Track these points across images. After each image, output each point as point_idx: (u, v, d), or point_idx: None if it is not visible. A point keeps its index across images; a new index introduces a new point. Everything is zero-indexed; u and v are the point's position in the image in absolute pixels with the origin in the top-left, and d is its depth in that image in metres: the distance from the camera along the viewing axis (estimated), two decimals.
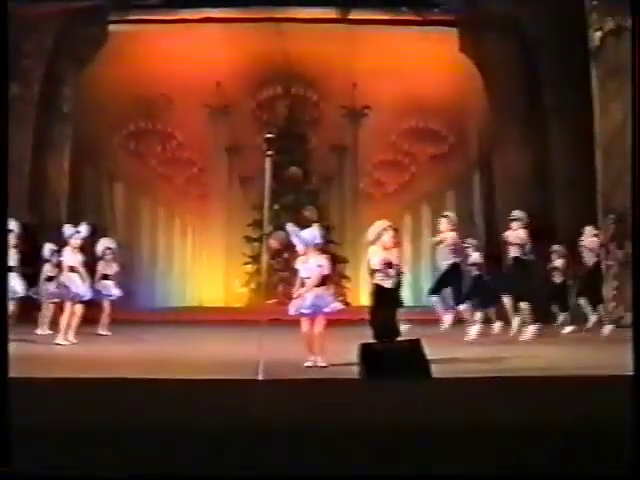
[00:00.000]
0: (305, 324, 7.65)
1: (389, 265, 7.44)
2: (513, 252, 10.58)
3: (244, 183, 22.80)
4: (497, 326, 11.91)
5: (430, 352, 6.71)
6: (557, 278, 12.83)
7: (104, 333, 11.83)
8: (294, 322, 7.80)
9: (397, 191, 23.46)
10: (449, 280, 10.61)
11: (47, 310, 11.83)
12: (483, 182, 19.55)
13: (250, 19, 18.75)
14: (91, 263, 11.65)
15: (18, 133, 14.66)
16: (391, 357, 6.50)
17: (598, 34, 14.00)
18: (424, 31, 18.50)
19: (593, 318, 10.70)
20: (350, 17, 18.40)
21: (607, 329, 10.63)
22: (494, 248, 11.19)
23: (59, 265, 10.84)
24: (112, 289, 12.18)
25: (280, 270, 19.29)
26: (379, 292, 7.48)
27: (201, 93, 21.06)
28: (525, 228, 10.65)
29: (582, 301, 11.09)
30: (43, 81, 16.61)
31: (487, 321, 12.10)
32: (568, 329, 12.25)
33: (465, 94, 19.03)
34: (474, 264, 12.49)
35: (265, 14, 18.58)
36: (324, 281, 7.76)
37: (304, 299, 7.63)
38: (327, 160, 23.14)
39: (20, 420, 3.82)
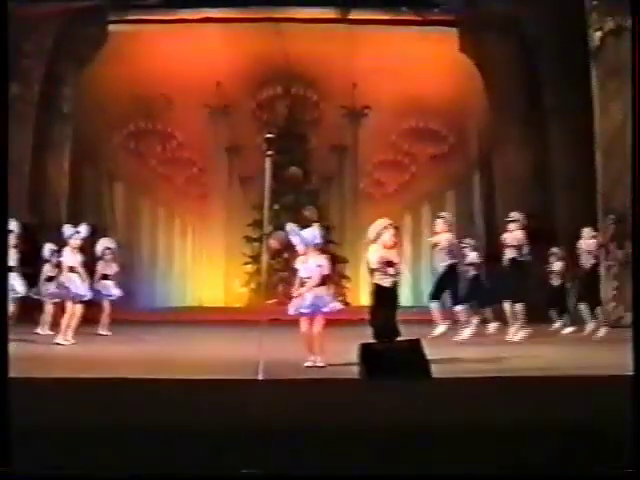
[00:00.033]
0: (304, 324, 7.65)
1: (388, 264, 7.42)
2: (510, 253, 10.56)
3: (244, 183, 22.81)
4: (492, 326, 11.93)
5: (430, 352, 6.71)
6: (555, 281, 12.80)
7: (104, 333, 11.83)
8: (294, 322, 7.80)
9: (397, 191, 23.47)
10: (446, 282, 10.61)
11: (48, 310, 11.83)
12: (483, 182, 19.56)
13: (250, 19, 18.75)
14: (91, 263, 11.65)
15: (18, 133, 14.65)
16: (391, 357, 6.49)
17: (598, 34, 14.00)
18: (424, 31, 18.50)
19: (591, 325, 10.67)
20: (350, 17, 18.40)
21: (602, 331, 10.62)
22: (494, 248, 11.17)
23: (59, 265, 10.84)
24: (112, 289, 12.18)
25: (280, 270, 19.29)
26: (378, 291, 7.47)
27: (201, 93, 21.07)
28: (522, 229, 10.63)
29: (582, 306, 11.05)
30: (43, 81, 16.61)
31: (484, 321, 12.14)
32: (568, 330, 12.25)
33: (465, 94, 19.03)
34: (471, 264, 12.50)
35: (265, 14, 18.57)
36: (324, 281, 7.75)
37: (304, 299, 7.63)
38: (327, 160, 23.15)
39: (20, 420, 3.82)
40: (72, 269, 10.45)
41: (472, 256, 12.57)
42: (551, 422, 4.27)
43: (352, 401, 5.38)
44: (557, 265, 12.76)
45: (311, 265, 7.71)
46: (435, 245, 10.81)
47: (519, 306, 10.41)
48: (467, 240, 13.11)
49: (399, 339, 7.15)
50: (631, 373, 4.20)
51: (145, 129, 21.88)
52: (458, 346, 9.98)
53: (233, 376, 6.75)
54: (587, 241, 11.03)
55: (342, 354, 7.45)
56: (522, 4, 16.11)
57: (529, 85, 16.84)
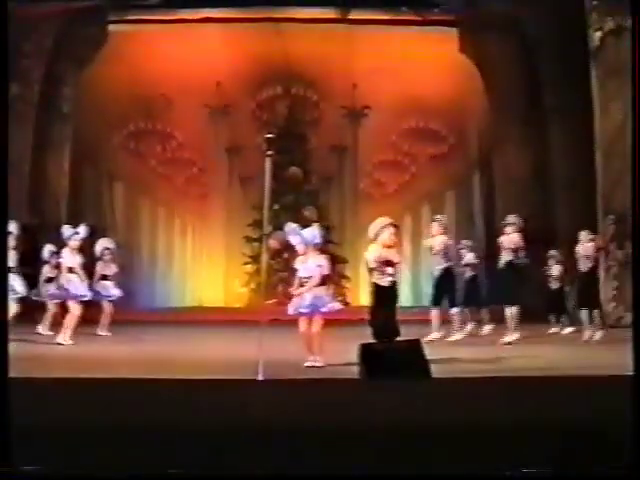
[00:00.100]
0: (303, 324, 7.65)
1: (387, 263, 7.40)
2: (507, 257, 10.55)
3: (244, 183, 22.80)
4: (487, 328, 11.92)
5: (430, 352, 6.71)
6: (554, 285, 12.79)
7: (104, 334, 11.83)
8: (293, 322, 7.80)
9: (397, 191, 23.46)
10: (443, 286, 10.60)
11: (50, 310, 11.83)
12: (483, 182, 19.56)
13: (249, 19, 18.75)
14: (90, 264, 11.65)
15: (18, 133, 14.66)
16: (391, 357, 6.49)
17: (598, 34, 14.01)
18: (424, 31, 18.50)
19: (589, 332, 10.66)
20: (350, 17, 18.40)
21: (598, 334, 10.60)
22: (494, 249, 11.14)
23: (58, 266, 10.84)
24: (111, 289, 12.17)
25: (280, 270, 19.28)
26: (377, 291, 7.45)
27: (201, 93, 21.06)
28: (519, 233, 10.61)
29: (581, 311, 11.02)
30: (43, 81, 16.61)
31: (479, 322, 12.15)
32: (567, 330, 12.25)
33: (465, 94, 19.03)
34: (468, 265, 12.50)
35: (265, 14, 18.57)
36: (324, 281, 7.76)
37: (303, 299, 7.63)
38: (327, 160, 23.14)
39: (20, 420, 3.82)
40: (71, 270, 10.45)
41: (469, 257, 12.57)
42: (551, 422, 4.27)
43: (352, 401, 5.38)
44: (556, 269, 12.73)
45: (311, 265, 7.71)
46: (431, 248, 10.80)
47: (514, 309, 10.38)
48: (464, 241, 13.12)
49: (399, 339, 7.14)
50: (631, 373, 4.20)
51: (145, 129, 21.88)
52: (458, 346, 9.98)
53: (233, 376, 6.75)
54: (585, 245, 10.97)
55: (342, 354, 7.45)
56: (522, 4, 16.11)
57: (529, 85, 16.85)
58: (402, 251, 8.71)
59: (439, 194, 22.31)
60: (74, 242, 10.53)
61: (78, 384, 6.18)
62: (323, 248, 8.25)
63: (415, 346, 6.60)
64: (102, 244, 12.40)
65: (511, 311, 10.35)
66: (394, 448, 3.89)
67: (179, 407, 4.96)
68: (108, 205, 20.52)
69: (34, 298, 11.83)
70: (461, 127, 21.07)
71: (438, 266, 10.69)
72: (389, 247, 7.47)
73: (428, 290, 11.19)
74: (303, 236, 7.79)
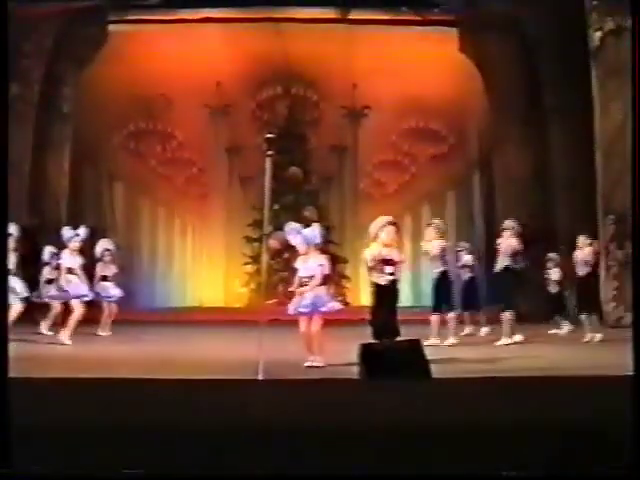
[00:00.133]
0: (303, 324, 7.65)
1: (386, 262, 7.38)
2: (504, 261, 10.54)
3: (244, 183, 22.82)
4: (484, 330, 11.92)
5: (430, 352, 6.71)
6: (553, 288, 12.78)
7: (104, 334, 11.83)
8: (294, 322, 7.80)
9: (397, 191, 23.47)
10: (441, 290, 10.58)
11: (52, 310, 11.83)
12: (483, 182, 19.56)
13: (250, 19, 18.75)
14: (90, 265, 11.65)
15: (18, 133, 14.65)
16: (391, 357, 6.48)
17: (598, 34, 14.01)
18: (424, 31, 18.50)
19: (589, 336, 10.65)
20: (350, 17, 18.39)
21: (597, 337, 10.59)
22: (494, 249, 11.12)
23: (58, 268, 10.84)
24: (111, 290, 12.18)
25: (280, 270, 19.28)
26: (375, 290, 7.45)
27: (201, 93, 21.07)
28: (517, 237, 10.60)
29: (581, 316, 11.01)
30: (43, 81, 16.61)
31: (475, 323, 12.16)
32: (565, 329, 12.24)
33: (465, 94, 19.03)
34: (466, 266, 12.49)
35: (265, 14, 18.57)
36: (324, 281, 7.76)
37: (303, 298, 7.63)
38: (327, 160, 23.15)
39: (20, 420, 3.82)
40: (71, 271, 10.45)
41: (467, 258, 12.57)
42: (551, 422, 4.27)
43: (352, 401, 5.37)
44: (555, 272, 12.72)
45: (312, 265, 7.71)
46: (427, 252, 10.79)
47: (510, 313, 10.36)
48: (462, 243, 13.13)
49: (399, 339, 7.14)
50: (631, 373, 4.20)
51: (145, 129, 21.89)
52: (458, 347, 9.98)
53: (233, 376, 6.75)
54: (583, 250, 10.95)
55: (342, 354, 7.44)
56: (522, 4, 16.11)
57: (529, 85, 16.85)
58: (403, 250, 8.66)
59: (439, 194, 22.32)
60: (74, 244, 10.53)
61: (78, 384, 6.18)
62: (324, 248, 8.25)
63: (415, 346, 6.59)
64: (102, 245, 12.41)
65: (507, 315, 10.33)
66: (394, 448, 3.89)
67: (179, 407, 4.96)
68: (108, 205, 20.52)
69: (36, 300, 11.82)
70: (461, 127, 21.08)
71: (434, 270, 10.68)
72: (388, 246, 7.46)
73: (428, 290, 11.17)
74: (305, 235, 7.78)
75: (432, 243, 10.66)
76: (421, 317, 11.11)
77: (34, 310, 12.00)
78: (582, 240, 11.02)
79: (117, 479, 3.70)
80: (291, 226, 7.97)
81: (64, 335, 10.13)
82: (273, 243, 15.57)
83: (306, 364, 7.50)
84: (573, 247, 11.15)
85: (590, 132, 14.11)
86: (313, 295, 7.61)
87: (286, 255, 17.50)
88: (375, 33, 18.99)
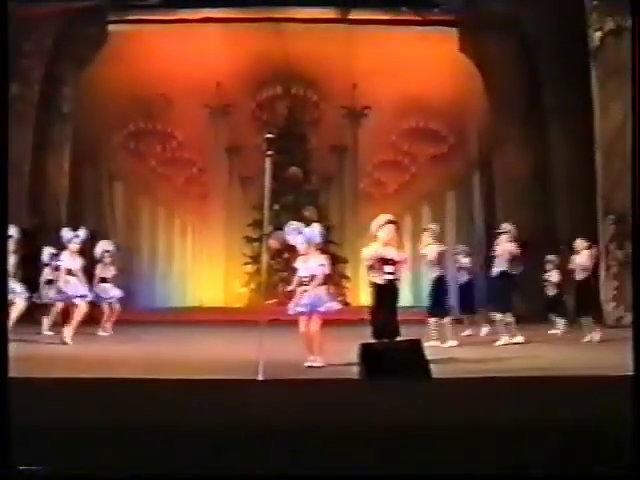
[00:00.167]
0: (302, 324, 7.65)
1: (385, 261, 7.36)
2: (500, 266, 10.54)
3: (244, 183, 22.81)
4: (485, 331, 11.92)
5: (430, 352, 6.71)
6: (551, 291, 12.78)
7: (104, 334, 11.84)
8: (294, 322, 7.80)
9: (397, 191, 23.46)
10: (438, 294, 10.57)
11: (53, 311, 11.83)
12: (483, 182, 19.56)
13: (250, 19, 18.75)
14: (90, 266, 11.65)
15: (18, 133, 14.66)
16: (391, 357, 6.48)
17: (598, 34, 14.02)
18: (424, 31, 18.50)
19: (589, 336, 10.64)
20: (350, 17, 18.40)
21: (597, 337, 10.59)
22: (493, 250, 11.12)
23: (58, 268, 10.84)
24: (110, 291, 12.19)
25: (280, 270, 19.27)
26: (374, 289, 7.44)
27: (201, 93, 21.06)
28: (513, 241, 10.59)
29: (581, 319, 11.00)
30: (43, 81, 16.61)
31: (475, 324, 12.16)
32: (561, 326, 12.24)
33: (465, 94, 19.02)
34: (464, 268, 12.49)
35: (265, 14, 18.58)
36: (324, 281, 7.75)
37: (303, 298, 7.63)
38: (327, 160, 23.14)
39: (20, 420, 3.82)
40: (70, 272, 10.45)
41: (465, 261, 12.57)
42: (551, 422, 4.27)
43: (352, 401, 5.38)
44: (554, 274, 12.72)
45: (312, 264, 7.70)
46: (424, 256, 10.78)
47: (504, 316, 10.36)
48: (461, 246, 13.12)
49: (399, 339, 7.13)
50: (631, 373, 4.20)
51: (145, 129, 21.88)
52: (458, 347, 9.98)
53: (233, 376, 6.75)
54: (581, 255, 10.94)
55: (342, 354, 7.44)
56: (522, 4, 16.11)
57: (529, 85, 16.85)
58: (403, 250, 8.61)
59: (439, 194, 22.31)
60: (74, 245, 10.53)
61: (78, 384, 6.18)
62: (324, 248, 8.25)
63: (415, 346, 6.59)
64: (102, 246, 12.42)
65: (505, 317, 10.33)
66: (394, 448, 3.89)
67: (179, 407, 4.96)
68: (108, 205, 20.51)
69: (36, 301, 11.81)
70: (461, 127, 21.07)
71: (431, 275, 10.67)
72: (388, 245, 7.45)
73: (428, 290, 11.18)
74: (306, 235, 7.77)
75: (428, 248, 10.64)
76: (421, 317, 11.12)
77: (34, 310, 12.00)
78: (579, 243, 11.01)
79: (117, 479, 3.70)
80: (292, 226, 7.97)
81: (67, 332, 10.14)
82: (273, 243, 15.57)
83: (306, 364, 7.50)
84: (572, 248, 11.14)
85: (590, 132, 14.11)
86: (312, 295, 7.61)
87: (286, 255, 17.50)
88: (375, 33, 18.99)
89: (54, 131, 17.12)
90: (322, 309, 7.63)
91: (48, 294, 11.59)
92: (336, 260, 19.19)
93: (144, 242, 22.34)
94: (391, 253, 7.42)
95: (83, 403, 5.08)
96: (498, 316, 10.52)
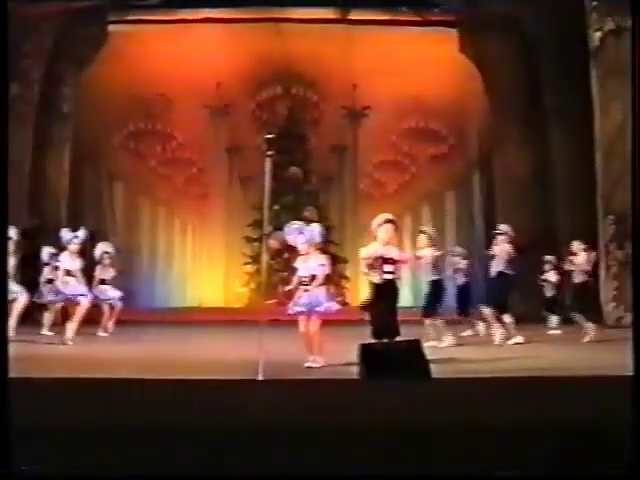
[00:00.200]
0: (302, 324, 7.65)
1: (384, 261, 7.35)
2: (497, 266, 10.54)
3: (244, 183, 22.81)
4: (481, 329, 11.91)
5: (430, 352, 6.71)
6: (549, 292, 12.76)
7: (104, 335, 11.84)
8: (294, 322, 7.80)
9: (397, 191, 23.46)
10: (434, 298, 10.56)
11: (51, 311, 11.83)
12: (483, 182, 19.56)
13: (250, 19, 18.75)
14: (90, 267, 11.65)
15: (18, 133, 14.65)
16: (391, 357, 6.48)
17: (598, 34, 14.02)
18: (424, 31, 18.51)
19: (588, 336, 10.64)
20: (350, 17, 18.40)
21: (596, 336, 10.59)
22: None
23: (57, 269, 10.83)
24: (110, 293, 12.19)
25: (280, 270, 19.27)
26: (372, 288, 7.43)
27: (201, 93, 21.06)
28: (511, 243, 10.59)
29: (580, 320, 10.99)
30: (43, 81, 16.60)
31: (473, 325, 12.15)
32: (554, 323, 12.23)
33: (465, 94, 19.03)
34: (459, 270, 12.48)
35: (265, 14, 18.58)
36: (324, 281, 7.75)
37: (301, 297, 7.63)
38: (327, 160, 23.15)
39: (20, 420, 3.82)
40: (69, 273, 10.45)
41: (462, 264, 12.57)
42: (551, 422, 4.27)
43: (352, 401, 5.37)
44: (552, 275, 12.70)
45: (312, 264, 7.70)
46: (419, 258, 10.77)
47: (508, 318, 10.37)
48: (457, 248, 13.10)
49: (399, 339, 7.13)
50: (631, 373, 4.20)
51: (145, 129, 21.88)
52: (458, 347, 9.98)
53: (233, 376, 6.74)
54: (578, 257, 10.94)
55: (342, 354, 7.44)
56: (522, 4, 16.11)
57: (529, 85, 16.85)
58: (400, 247, 8.58)
59: (439, 194, 22.32)
60: (73, 246, 10.53)
61: (78, 384, 6.18)
62: (324, 248, 8.25)
63: (415, 346, 6.59)
64: (101, 248, 12.41)
65: (506, 318, 10.33)
66: (394, 448, 3.89)
67: (179, 407, 4.96)
68: (108, 205, 20.51)
69: (36, 301, 11.81)
70: (461, 127, 21.08)
71: (427, 278, 10.66)
72: (386, 244, 7.44)
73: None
74: (307, 234, 7.77)
75: (424, 251, 10.63)
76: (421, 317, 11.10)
77: (34, 310, 12.01)
78: (576, 245, 11.01)
79: (117, 479, 3.70)
80: (294, 225, 7.96)
81: (69, 329, 10.14)
82: (273, 243, 15.57)
83: (306, 364, 7.50)
84: (570, 250, 11.15)
85: (590, 132, 14.11)
86: (310, 295, 7.60)
87: (286, 255, 17.49)
88: (375, 33, 18.99)
89: (54, 131, 17.12)
90: (321, 309, 7.63)
91: (47, 294, 11.59)
92: (336, 260, 19.18)
93: (144, 242, 22.34)
94: (391, 252, 7.42)
95: (83, 403, 5.07)
96: (486, 310, 10.53)
